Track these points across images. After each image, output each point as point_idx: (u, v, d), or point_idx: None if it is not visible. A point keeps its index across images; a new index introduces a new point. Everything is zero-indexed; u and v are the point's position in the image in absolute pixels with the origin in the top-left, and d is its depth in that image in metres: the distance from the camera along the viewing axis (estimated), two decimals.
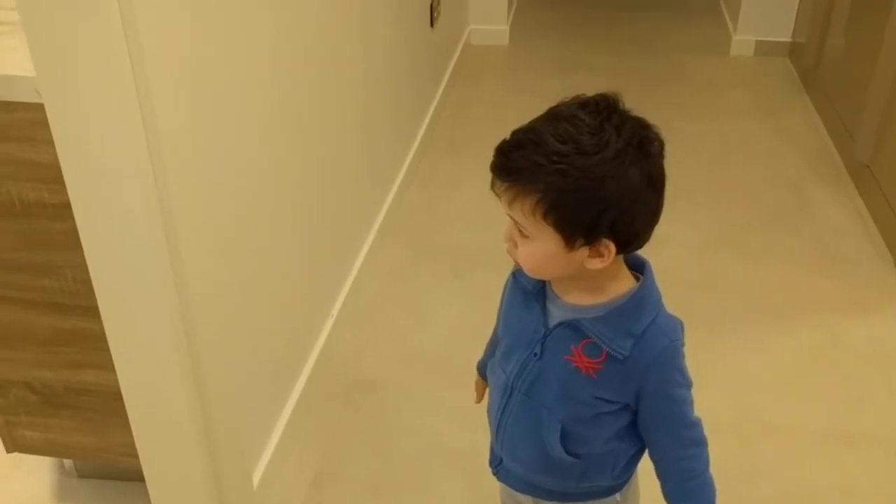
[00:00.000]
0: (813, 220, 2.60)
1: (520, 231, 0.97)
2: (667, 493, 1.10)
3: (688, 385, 1.06)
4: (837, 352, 2.09)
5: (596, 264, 0.97)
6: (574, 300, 1.04)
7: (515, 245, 0.99)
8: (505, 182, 0.95)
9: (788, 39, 3.73)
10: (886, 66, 2.54)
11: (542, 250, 0.97)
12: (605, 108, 0.94)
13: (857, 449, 1.81)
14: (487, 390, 1.19)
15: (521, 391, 1.09)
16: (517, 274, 1.09)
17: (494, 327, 1.25)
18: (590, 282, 1.01)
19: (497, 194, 0.98)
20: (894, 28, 2.50)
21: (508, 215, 0.98)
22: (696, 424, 1.07)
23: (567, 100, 0.97)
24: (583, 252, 0.96)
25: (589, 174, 0.91)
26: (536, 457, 1.10)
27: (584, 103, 0.95)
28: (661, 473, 1.10)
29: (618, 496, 1.15)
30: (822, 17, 3.25)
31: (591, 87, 1.02)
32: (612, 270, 1.01)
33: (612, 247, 0.96)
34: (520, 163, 0.93)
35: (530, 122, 0.96)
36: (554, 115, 0.95)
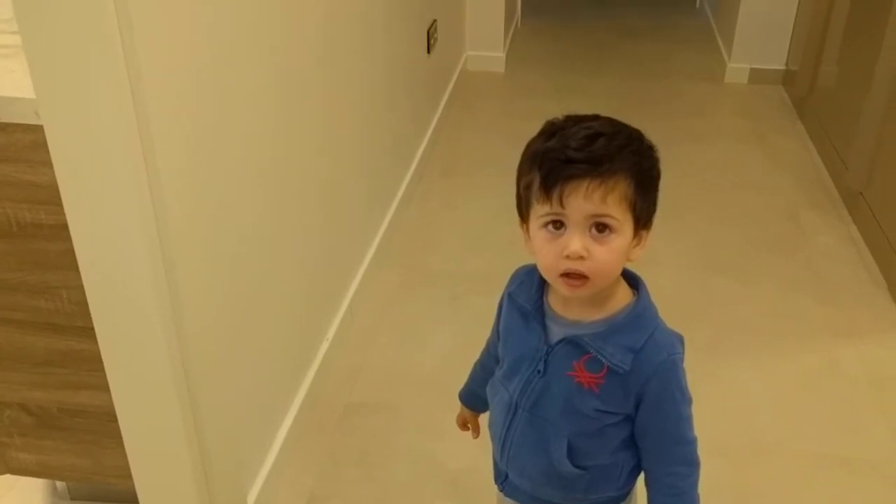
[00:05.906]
0: (807, 246, 2.61)
1: (599, 232, 0.95)
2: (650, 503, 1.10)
3: (686, 402, 1.06)
4: (832, 376, 2.09)
5: (638, 254, 1.00)
6: (575, 315, 1.04)
7: (587, 255, 0.95)
8: (598, 176, 0.93)
9: (782, 67, 3.77)
10: (878, 94, 2.56)
11: (623, 244, 0.97)
12: (586, 115, 0.99)
13: (852, 473, 1.81)
14: (489, 408, 1.19)
15: (526, 409, 1.09)
16: (513, 295, 1.10)
17: (483, 350, 1.26)
18: (596, 294, 1.01)
19: (562, 210, 0.94)
20: (886, 57, 2.53)
21: (590, 218, 0.94)
22: (690, 442, 1.07)
23: (547, 123, 1.00)
24: (632, 243, 0.99)
25: (651, 154, 0.98)
26: (544, 472, 1.10)
27: (567, 117, 0.99)
28: (648, 483, 1.11)
29: None
30: (815, 45, 3.29)
31: (587, 112, 1.04)
32: (614, 282, 1.02)
33: (647, 233, 1.00)
34: (606, 150, 0.94)
35: (563, 131, 0.97)
36: (574, 121, 0.98)
